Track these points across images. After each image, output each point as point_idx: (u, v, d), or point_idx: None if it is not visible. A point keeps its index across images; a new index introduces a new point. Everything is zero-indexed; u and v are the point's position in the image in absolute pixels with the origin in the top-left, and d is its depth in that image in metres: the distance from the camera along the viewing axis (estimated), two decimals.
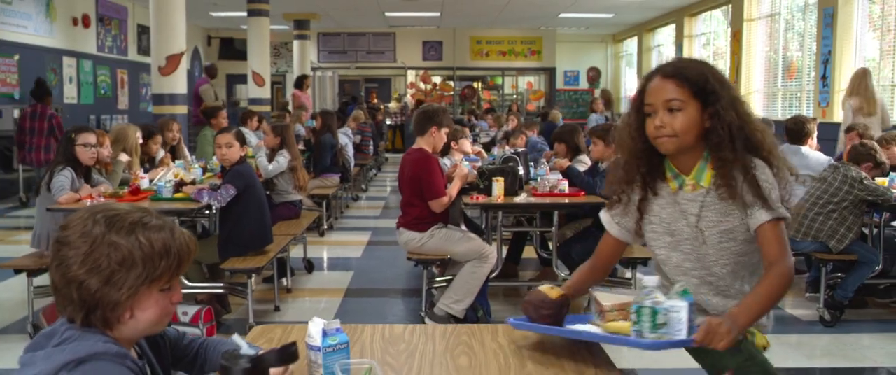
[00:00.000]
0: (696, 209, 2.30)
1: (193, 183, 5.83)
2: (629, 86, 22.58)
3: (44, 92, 10.76)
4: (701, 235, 2.31)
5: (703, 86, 2.21)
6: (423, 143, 5.22)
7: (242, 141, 5.45)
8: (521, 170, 5.81)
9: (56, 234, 1.65)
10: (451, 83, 22.70)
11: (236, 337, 1.66)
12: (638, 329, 2.03)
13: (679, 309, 1.99)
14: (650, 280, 2.04)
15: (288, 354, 1.52)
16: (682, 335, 2.00)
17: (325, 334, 1.91)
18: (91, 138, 5.32)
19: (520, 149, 6.82)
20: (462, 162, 6.28)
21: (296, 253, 7.03)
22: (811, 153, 6.11)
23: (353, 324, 2.29)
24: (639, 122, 2.31)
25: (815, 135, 6.33)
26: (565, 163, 5.79)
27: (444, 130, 5.26)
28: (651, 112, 2.26)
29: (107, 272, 1.59)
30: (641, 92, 2.31)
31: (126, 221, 1.62)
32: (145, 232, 1.62)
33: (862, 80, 8.50)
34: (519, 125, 10.86)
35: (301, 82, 15.89)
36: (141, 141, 6.64)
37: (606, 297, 2.25)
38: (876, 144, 5.52)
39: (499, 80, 23.83)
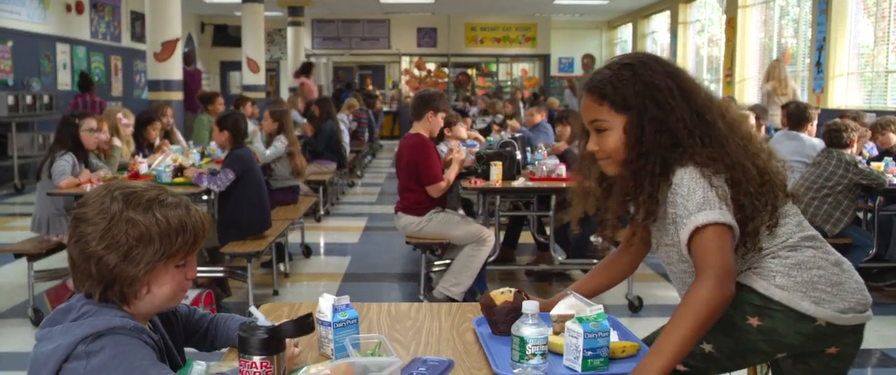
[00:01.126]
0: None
1: (193, 167, 5.85)
2: None
3: (88, 83, 11.65)
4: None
5: (620, 99, 1.93)
6: (419, 128, 5.24)
7: (223, 127, 5.43)
8: (519, 155, 5.84)
9: (74, 211, 1.68)
10: (446, 70, 22.69)
11: (252, 309, 1.70)
12: (512, 358, 1.84)
13: (539, 344, 1.78)
14: (530, 305, 1.82)
15: (304, 325, 1.55)
16: (577, 368, 1.82)
17: (335, 309, 1.95)
18: (93, 123, 5.34)
19: (517, 134, 6.85)
20: (459, 147, 6.30)
21: (293, 238, 7.06)
22: (808, 139, 6.15)
23: (358, 303, 2.32)
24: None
25: (815, 122, 6.37)
26: (563, 146, 5.81)
27: (441, 115, 5.27)
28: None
29: (125, 248, 1.62)
30: None
31: (143, 198, 1.66)
32: (162, 209, 1.66)
33: (776, 68, 10.52)
34: (515, 110, 10.89)
35: (308, 69, 15.79)
36: (126, 123, 6.63)
37: (567, 304, 2.05)
38: (849, 123, 5.50)
39: (493, 67, 23.83)
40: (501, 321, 2.08)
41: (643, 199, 1.93)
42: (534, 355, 1.79)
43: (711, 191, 1.84)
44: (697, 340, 1.77)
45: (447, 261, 5.46)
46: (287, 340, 1.78)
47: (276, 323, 1.57)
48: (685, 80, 1.97)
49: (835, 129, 5.36)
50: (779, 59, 10.97)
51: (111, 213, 1.63)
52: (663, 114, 1.90)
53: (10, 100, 10.90)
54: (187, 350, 1.96)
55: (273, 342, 1.53)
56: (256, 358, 1.52)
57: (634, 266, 2.36)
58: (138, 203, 1.65)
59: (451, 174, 5.29)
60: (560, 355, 1.90)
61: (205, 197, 5.58)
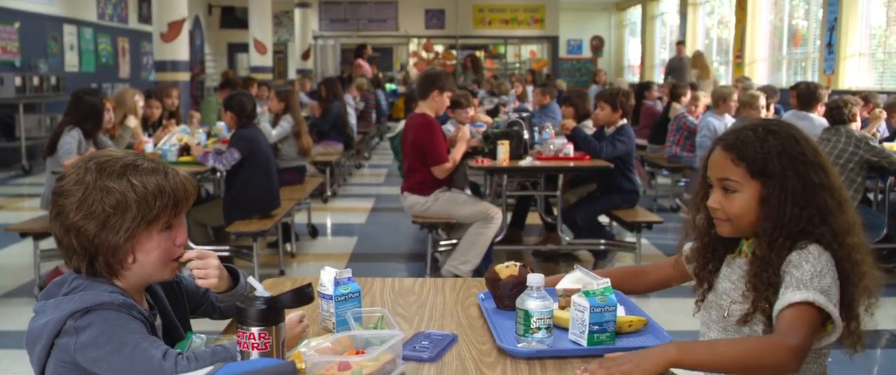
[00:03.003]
0: (735, 276, 1.98)
1: (198, 146, 5.83)
2: (632, 55, 22.49)
3: None
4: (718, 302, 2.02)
5: (761, 166, 1.86)
6: (425, 108, 5.19)
7: (229, 107, 5.40)
8: (526, 135, 5.79)
9: (54, 186, 1.68)
10: (454, 52, 22.60)
11: (251, 279, 1.67)
12: (516, 332, 1.81)
13: (545, 314, 1.76)
14: (535, 278, 1.79)
15: (303, 295, 1.52)
16: (582, 342, 1.78)
17: (336, 283, 1.92)
18: (108, 103, 5.33)
19: (525, 114, 6.79)
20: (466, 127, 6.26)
21: (300, 219, 7.04)
22: (819, 119, 6.09)
23: (362, 278, 2.30)
24: (705, 194, 2.00)
25: (823, 102, 6.30)
26: (571, 124, 5.76)
27: (447, 94, 5.23)
28: (712, 186, 1.97)
29: (101, 216, 1.62)
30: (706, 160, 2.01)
31: (117, 165, 1.65)
32: (137, 175, 1.65)
33: (699, 58, 13.63)
34: (524, 91, 10.83)
35: (361, 51, 15.78)
36: (141, 104, 6.62)
37: (573, 278, 2.02)
38: (849, 98, 5.47)
39: (501, 49, 23.73)
40: (506, 295, 2.04)
41: (765, 267, 1.86)
42: (538, 329, 1.75)
43: (836, 289, 1.79)
44: (740, 369, 1.71)
45: (453, 241, 5.43)
46: (295, 318, 1.77)
47: (275, 294, 1.54)
48: (825, 159, 1.91)
49: (835, 107, 5.34)
50: (700, 51, 13.87)
51: (86, 183, 1.63)
52: (803, 189, 1.84)
53: (18, 81, 10.88)
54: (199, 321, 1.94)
55: (271, 312, 1.50)
56: (254, 329, 1.49)
57: (663, 287, 2.30)
58: (112, 170, 1.64)
59: (456, 154, 5.25)
60: (566, 329, 1.86)
61: (210, 177, 5.58)
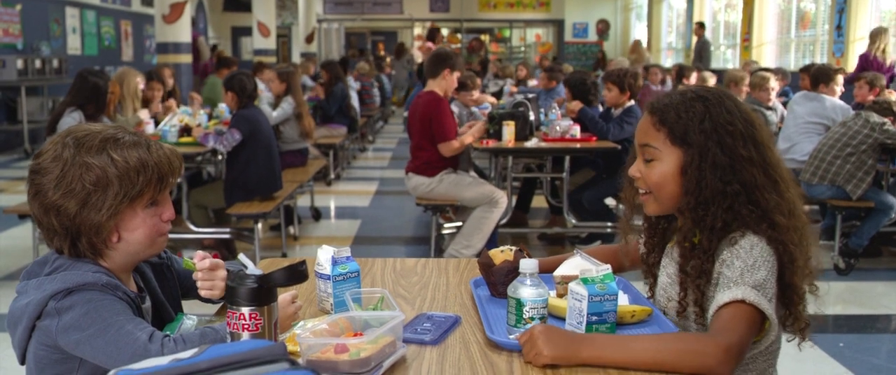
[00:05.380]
0: (671, 269, 1.84)
1: (199, 127, 5.76)
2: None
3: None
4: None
5: (682, 132, 1.71)
6: (434, 86, 5.11)
7: (229, 88, 5.31)
8: (532, 116, 5.70)
9: (31, 164, 1.59)
10: (459, 36, 22.46)
11: (241, 257, 1.58)
12: (508, 323, 1.69)
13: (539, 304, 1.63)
14: (528, 264, 1.65)
15: (296, 273, 1.43)
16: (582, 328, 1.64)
17: (334, 262, 1.83)
18: (112, 86, 5.24)
19: (531, 95, 6.69)
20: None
21: (303, 202, 6.97)
22: (829, 100, 5.97)
23: (362, 258, 2.22)
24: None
25: (839, 83, 6.16)
26: (578, 105, 5.67)
27: (457, 74, 5.15)
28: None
29: (82, 194, 1.53)
30: None
31: (96, 139, 1.56)
32: (118, 149, 1.55)
33: (638, 46, 16.15)
34: (528, 74, 10.73)
35: (435, 35, 15.58)
36: (142, 87, 6.54)
37: (572, 264, 1.87)
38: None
39: (506, 33, 23.58)
40: (500, 282, 1.89)
41: (696, 253, 1.71)
42: (531, 319, 1.63)
43: (772, 281, 1.65)
44: (659, 369, 1.50)
45: (458, 224, 5.36)
46: (288, 298, 1.69)
47: (267, 272, 1.45)
48: (761, 132, 1.75)
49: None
50: (639, 40, 17.24)
51: (64, 159, 1.54)
52: (730, 162, 1.69)
53: (20, 64, 10.81)
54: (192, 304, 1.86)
55: (263, 292, 1.41)
56: (245, 310, 1.40)
57: (629, 268, 2.15)
58: (91, 145, 1.55)
59: (466, 138, 5.16)
60: (563, 319, 1.73)
61: (212, 159, 5.50)
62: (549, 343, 1.51)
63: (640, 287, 2.01)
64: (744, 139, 1.70)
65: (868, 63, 8.22)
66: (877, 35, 8.45)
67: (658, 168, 1.74)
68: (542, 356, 1.50)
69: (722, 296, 1.62)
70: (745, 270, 1.63)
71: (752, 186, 1.69)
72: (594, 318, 1.64)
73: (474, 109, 6.91)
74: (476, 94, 7.09)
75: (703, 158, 1.69)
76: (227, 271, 1.73)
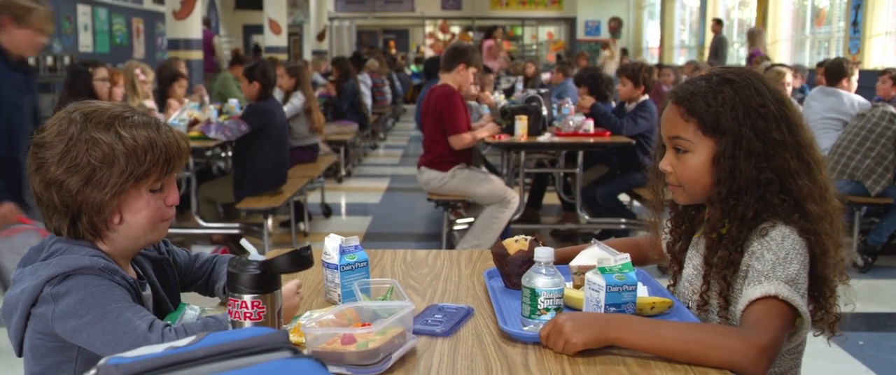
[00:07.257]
0: (697, 260, 1.77)
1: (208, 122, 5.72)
2: (650, 37, 22.17)
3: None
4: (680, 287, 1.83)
5: (714, 121, 1.62)
6: (448, 80, 5.04)
7: (252, 78, 5.26)
8: (545, 111, 5.63)
9: (34, 138, 1.53)
10: (470, 33, 22.38)
11: (243, 242, 1.52)
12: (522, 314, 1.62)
13: (556, 294, 1.56)
14: (543, 252, 1.58)
15: (301, 259, 1.35)
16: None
17: (342, 251, 1.77)
18: (104, 72, 5.19)
19: (543, 90, 6.62)
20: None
21: (313, 198, 6.92)
22: (846, 95, 5.88)
23: (372, 249, 2.15)
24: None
25: (854, 77, 6.07)
26: (590, 100, 5.60)
27: (472, 70, 5.06)
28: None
29: (87, 170, 1.47)
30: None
31: (104, 115, 1.50)
32: (126, 126, 1.49)
33: (609, 45, 16.98)
34: (537, 71, 10.66)
35: (493, 33, 15.48)
36: (143, 79, 6.49)
37: (590, 254, 1.80)
38: None
39: (518, 31, 23.49)
40: (515, 272, 1.81)
41: (724, 244, 1.64)
42: (547, 309, 1.56)
43: (805, 276, 1.57)
44: (685, 360, 1.45)
45: (470, 220, 5.29)
46: (292, 287, 1.63)
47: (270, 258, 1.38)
48: (793, 112, 1.66)
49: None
50: (613, 39, 18.28)
51: (69, 134, 1.48)
52: (764, 147, 1.61)
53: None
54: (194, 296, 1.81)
55: (266, 278, 1.34)
56: (247, 297, 1.34)
57: (655, 261, 2.09)
58: (99, 121, 1.49)
59: (478, 133, 5.09)
60: (580, 310, 1.66)
61: (222, 155, 5.45)
62: (577, 329, 1.45)
63: (659, 281, 1.94)
64: (777, 121, 1.62)
65: None
66: None
67: (691, 161, 1.66)
68: (573, 343, 1.45)
69: (752, 291, 1.55)
70: (776, 263, 1.56)
71: (786, 173, 1.62)
72: (612, 309, 1.57)
73: (473, 104, 6.81)
74: (474, 91, 7.00)
75: (738, 146, 1.61)
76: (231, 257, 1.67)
